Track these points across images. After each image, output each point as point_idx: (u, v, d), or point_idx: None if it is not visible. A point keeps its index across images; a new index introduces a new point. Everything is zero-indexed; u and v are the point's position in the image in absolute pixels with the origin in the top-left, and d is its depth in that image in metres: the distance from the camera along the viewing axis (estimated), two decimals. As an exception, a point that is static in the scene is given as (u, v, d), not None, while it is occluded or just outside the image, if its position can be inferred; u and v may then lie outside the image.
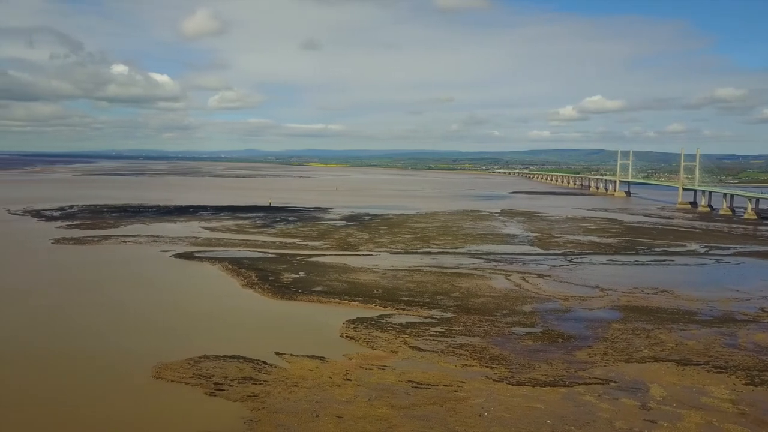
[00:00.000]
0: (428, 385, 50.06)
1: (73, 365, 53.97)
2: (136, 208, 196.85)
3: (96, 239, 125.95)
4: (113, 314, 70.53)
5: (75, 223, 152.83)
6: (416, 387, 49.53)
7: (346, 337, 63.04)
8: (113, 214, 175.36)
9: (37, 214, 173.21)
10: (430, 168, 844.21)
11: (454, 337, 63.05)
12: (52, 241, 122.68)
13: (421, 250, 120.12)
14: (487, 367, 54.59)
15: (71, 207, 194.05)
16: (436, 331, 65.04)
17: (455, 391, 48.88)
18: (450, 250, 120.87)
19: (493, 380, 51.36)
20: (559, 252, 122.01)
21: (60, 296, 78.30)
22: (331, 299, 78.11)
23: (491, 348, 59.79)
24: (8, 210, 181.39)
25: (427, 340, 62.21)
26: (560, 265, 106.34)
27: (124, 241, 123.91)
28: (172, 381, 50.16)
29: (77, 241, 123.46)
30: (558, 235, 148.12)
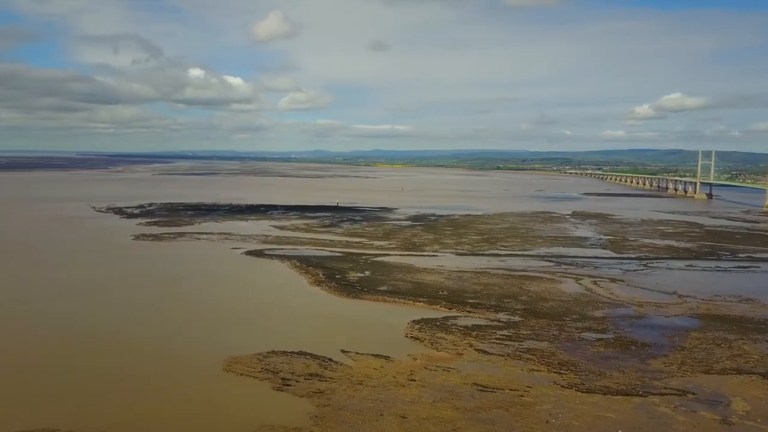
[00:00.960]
0: (494, 388, 49.20)
1: (150, 355, 56.51)
2: (209, 206, 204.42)
3: (172, 236, 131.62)
4: (187, 308, 73.46)
5: (153, 220, 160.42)
6: (481, 390, 48.78)
7: (411, 337, 62.92)
8: (188, 212, 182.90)
9: (119, 211, 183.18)
10: (498, 168, 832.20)
11: (521, 341, 61.71)
12: (133, 237, 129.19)
13: (488, 252, 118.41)
14: (556, 372, 53.08)
15: (150, 205, 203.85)
16: (502, 335, 63.88)
17: (522, 396, 47.81)
18: (518, 253, 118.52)
19: (562, 386, 49.86)
20: (633, 256, 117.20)
21: (139, 290, 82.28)
22: (396, 299, 78.23)
23: (560, 353, 58.10)
24: (93, 207, 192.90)
25: (493, 343, 61.19)
26: (634, 270, 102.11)
27: (198, 238, 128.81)
28: (241, 374, 51.64)
29: (155, 237, 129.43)
30: (632, 239, 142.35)
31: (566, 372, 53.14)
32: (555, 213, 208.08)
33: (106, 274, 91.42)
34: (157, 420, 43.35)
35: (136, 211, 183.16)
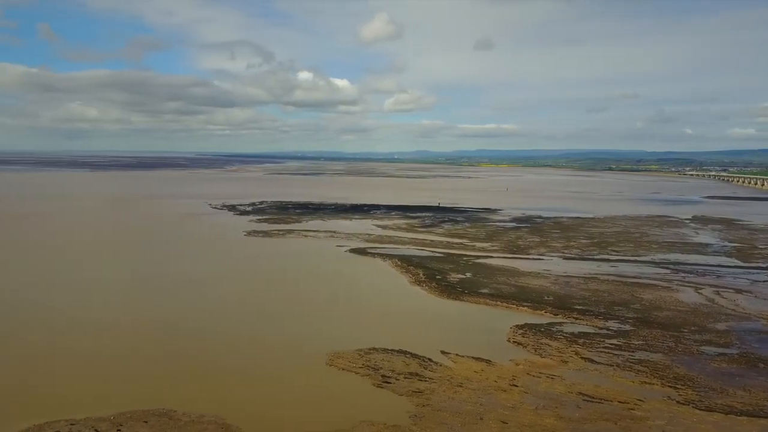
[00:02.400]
0: (601, 399, 46.78)
1: (258, 346, 59.18)
2: (316, 205, 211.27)
3: (281, 233, 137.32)
4: (294, 302, 76.26)
5: (264, 217, 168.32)
6: (587, 400, 46.56)
7: (514, 342, 61.35)
8: (296, 211, 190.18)
9: (232, 208, 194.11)
10: (610, 169, 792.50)
11: (632, 352, 58.26)
12: (245, 233, 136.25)
13: (597, 257, 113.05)
14: (671, 387, 49.57)
15: (261, 203, 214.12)
16: (611, 344, 60.64)
17: (631, 409, 45.08)
18: (631, 258, 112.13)
19: (677, 402, 46.47)
20: (763, 266, 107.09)
21: (250, 284, 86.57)
22: (498, 302, 76.60)
23: (676, 367, 54.21)
24: (209, 204, 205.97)
25: (601, 352, 58.25)
26: (764, 281, 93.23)
27: (305, 236, 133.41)
28: (343, 369, 52.76)
29: (265, 234, 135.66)
30: (763, 247, 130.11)
31: (683, 387, 49.47)
32: (673, 217, 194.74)
33: (220, 268, 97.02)
34: (261, 408, 45.26)
35: (248, 209, 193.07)
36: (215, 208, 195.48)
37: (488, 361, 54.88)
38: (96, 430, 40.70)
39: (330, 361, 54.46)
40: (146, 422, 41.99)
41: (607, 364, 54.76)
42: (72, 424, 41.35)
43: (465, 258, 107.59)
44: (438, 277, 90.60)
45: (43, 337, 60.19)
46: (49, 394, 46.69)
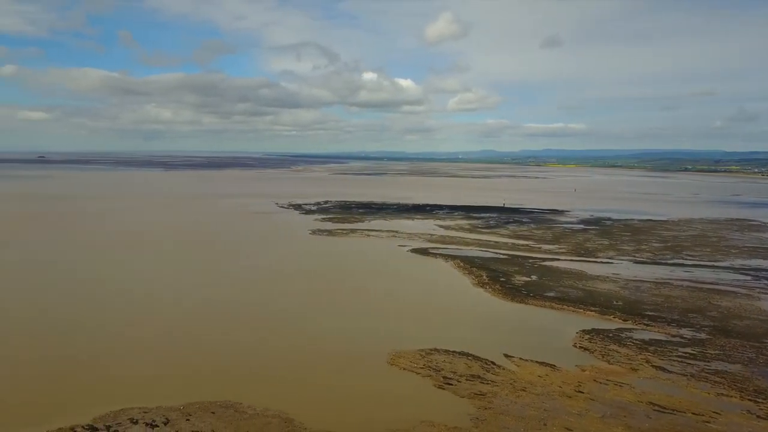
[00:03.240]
0: (673, 410, 44.67)
1: (321, 343, 60.00)
2: (379, 205, 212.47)
3: (344, 232, 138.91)
4: (356, 300, 76.92)
5: (328, 216, 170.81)
6: (658, 410, 44.56)
7: (580, 347, 59.55)
8: (360, 210, 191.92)
9: (298, 207, 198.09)
10: (686, 170, 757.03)
11: (707, 362, 55.36)
12: (310, 231, 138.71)
13: (671, 261, 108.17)
14: (750, 400, 46.75)
15: (325, 202, 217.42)
16: (685, 353, 57.84)
17: (707, 422, 42.81)
18: (707, 263, 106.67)
19: (758, 417, 43.78)
20: None
21: (314, 281, 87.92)
22: (565, 306, 74.57)
23: (757, 379, 51.09)
24: (276, 203, 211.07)
25: (674, 360, 55.66)
26: None
27: (368, 235, 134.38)
28: (404, 369, 52.74)
29: (329, 233, 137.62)
30: None
31: (764, 401, 46.56)
32: (756, 221, 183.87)
33: (286, 265, 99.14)
34: (323, 404, 45.82)
35: (313, 208, 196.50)
36: (282, 207, 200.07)
37: (553, 366, 53.51)
38: (167, 418, 42.41)
39: (391, 361, 54.57)
40: (213, 413, 43.40)
41: (681, 374, 52.27)
42: (145, 412, 43.25)
43: (530, 260, 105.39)
44: (502, 279, 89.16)
45: (120, 327, 63.25)
46: (125, 382, 48.99)
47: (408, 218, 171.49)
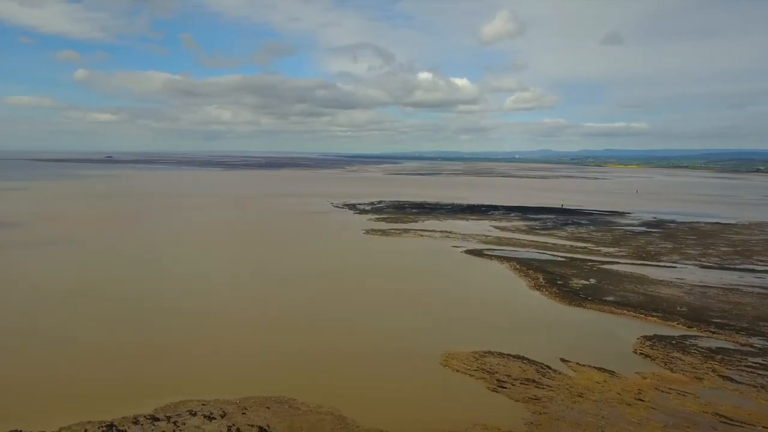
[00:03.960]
0: (742, 423, 42.49)
1: (374, 342, 60.26)
2: (433, 205, 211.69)
3: (398, 232, 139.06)
4: (410, 300, 76.80)
5: (382, 216, 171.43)
6: (725, 422, 42.49)
7: (640, 353, 57.48)
8: (413, 210, 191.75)
9: (352, 207, 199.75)
10: (757, 170, 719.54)
11: (780, 373, 52.35)
12: (363, 231, 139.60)
13: (740, 266, 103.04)
14: (829, 416, 43.89)
15: (379, 202, 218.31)
16: (756, 363, 54.93)
17: (780, 437, 40.48)
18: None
19: (837, 434, 41.04)
20: None
21: (368, 281, 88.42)
22: (625, 311, 72.15)
23: (835, 394, 47.92)
24: (331, 203, 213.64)
25: (742, 370, 52.94)
26: None
27: (422, 235, 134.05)
28: (457, 371, 52.29)
29: (383, 232, 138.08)
30: None
31: (844, 417, 43.62)
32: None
33: (341, 264, 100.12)
34: (376, 403, 45.94)
35: (367, 208, 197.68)
36: (336, 206, 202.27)
37: (612, 372, 51.88)
38: (224, 411, 43.53)
39: (444, 362, 54.22)
40: (268, 408, 44.24)
41: (750, 385, 49.67)
42: (203, 404, 44.54)
43: (589, 263, 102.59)
44: (559, 281, 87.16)
45: (184, 321, 65.40)
46: (186, 375, 50.60)
47: (462, 219, 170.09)
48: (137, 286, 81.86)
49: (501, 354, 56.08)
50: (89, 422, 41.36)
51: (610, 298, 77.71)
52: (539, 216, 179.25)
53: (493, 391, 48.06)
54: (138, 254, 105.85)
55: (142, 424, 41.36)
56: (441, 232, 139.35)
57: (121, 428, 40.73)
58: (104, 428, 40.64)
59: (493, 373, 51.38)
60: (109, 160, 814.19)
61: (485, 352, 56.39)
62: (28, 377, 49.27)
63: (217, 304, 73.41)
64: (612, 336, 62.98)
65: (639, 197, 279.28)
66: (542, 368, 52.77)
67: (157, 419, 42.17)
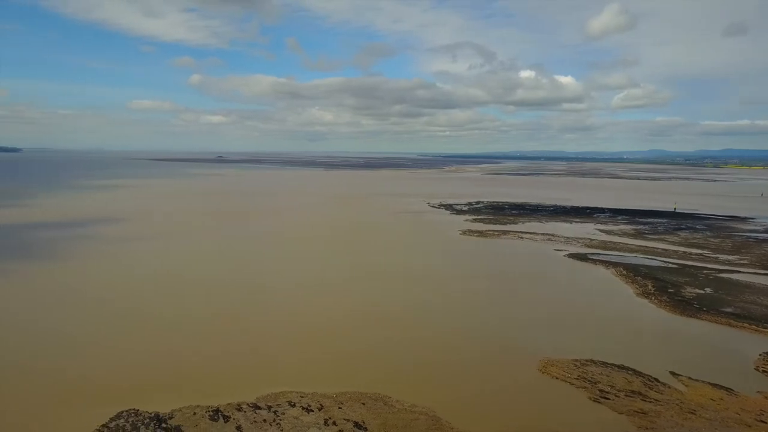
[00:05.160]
0: None
1: (470, 344, 59.41)
2: (534, 206, 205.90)
3: (496, 233, 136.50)
4: (508, 303, 75.14)
5: (479, 217, 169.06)
6: None
7: (763, 371, 52.66)
8: (513, 211, 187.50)
9: (449, 207, 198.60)
10: None
11: None
12: (460, 232, 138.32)
13: None
14: None
15: (477, 203, 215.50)
16: None
17: None
18: None
19: None
20: None
21: (463, 281, 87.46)
22: (745, 324, 66.40)
23: None
24: (428, 203, 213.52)
25: None
26: None
27: (521, 237, 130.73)
28: (556, 378, 50.45)
29: (480, 234, 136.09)
30: None
31: None
32: None
33: (434, 266, 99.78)
34: (471, 407, 45.27)
35: (465, 208, 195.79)
36: (433, 206, 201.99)
37: (729, 390, 47.89)
38: (321, 404, 44.69)
39: (543, 368, 52.50)
40: (363, 404, 44.90)
41: None
42: (302, 396, 45.99)
43: (705, 271, 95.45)
44: (670, 290, 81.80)
45: (280, 314, 67.96)
46: (286, 366, 52.49)
47: (565, 221, 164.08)
48: (238, 278, 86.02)
49: (604, 363, 53.46)
50: (198, 406, 43.97)
51: (729, 310, 71.84)
52: (649, 219, 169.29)
53: (594, 401, 45.91)
54: (241, 249, 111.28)
55: (245, 411, 43.38)
56: (542, 234, 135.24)
57: (226, 414, 42.94)
58: (211, 413, 43.03)
59: (595, 383, 49.07)
60: (220, 160, 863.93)
61: (587, 361, 53.99)
62: (141, 361, 53.18)
63: (314, 299, 75.55)
64: (730, 351, 58.19)
65: (764, 201, 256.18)
66: (649, 381, 49.72)
67: (259, 407, 44.04)
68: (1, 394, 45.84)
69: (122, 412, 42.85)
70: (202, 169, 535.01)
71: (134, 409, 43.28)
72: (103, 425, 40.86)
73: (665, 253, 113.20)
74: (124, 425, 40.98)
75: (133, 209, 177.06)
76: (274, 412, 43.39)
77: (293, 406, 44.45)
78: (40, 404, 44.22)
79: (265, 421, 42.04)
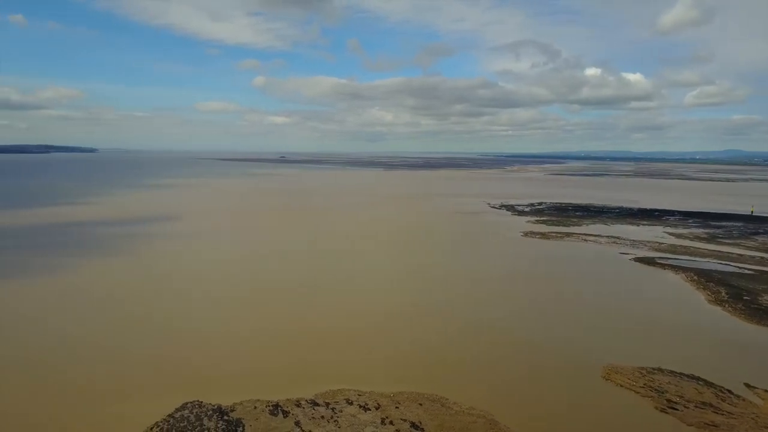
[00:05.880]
0: None
1: (530, 348, 58.21)
2: (599, 208, 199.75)
3: (559, 235, 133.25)
4: (571, 308, 73.10)
5: (542, 218, 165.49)
6: None
7: None
8: (577, 213, 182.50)
9: (510, 208, 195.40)
10: None
11: None
12: (522, 233, 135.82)
13: None
14: None
15: (540, 204, 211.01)
16: None
17: None
18: None
19: None
20: None
21: (524, 284, 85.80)
22: (830, 335, 62.08)
23: None
24: (488, 203, 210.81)
25: None
26: None
27: (585, 240, 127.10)
28: (620, 386, 48.72)
29: (542, 235, 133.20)
30: None
31: None
32: None
33: (495, 268, 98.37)
34: (531, 412, 44.29)
35: (526, 209, 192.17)
36: (493, 207, 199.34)
37: (811, 406, 44.89)
38: (378, 403, 44.86)
39: (606, 375, 50.82)
40: (421, 405, 44.76)
41: None
42: (359, 395, 46.32)
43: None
44: (746, 297, 77.53)
45: (338, 313, 68.69)
46: (344, 364, 53.02)
47: (632, 224, 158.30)
48: (298, 278, 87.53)
49: (672, 372, 51.22)
50: (258, 400, 45.04)
51: (812, 320, 67.38)
52: (723, 223, 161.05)
53: (661, 411, 44.05)
54: (300, 248, 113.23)
55: (303, 408, 44.09)
56: (607, 237, 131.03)
57: (285, 409, 43.78)
58: (271, 407, 43.98)
59: (663, 393, 47.07)
60: (282, 160, 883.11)
61: (654, 369, 51.88)
62: (205, 354, 54.96)
63: (372, 298, 75.95)
64: (812, 363, 54.54)
65: None
66: (722, 392, 47.26)
67: (317, 404, 44.67)
68: (75, 378, 48.43)
69: (187, 403, 44.42)
70: (266, 168, 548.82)
71: (198, 401, 44.78)
72: (169, 415, 42.46)
73: (740, 258, 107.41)
74: (188, 416, 42.45)
75: (200, 207, 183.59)
76: (332, 409, 43.91)
77: (351, 404, 44.83)
78: (110, 390, 46.41)
79: (323, 417, 42.59)
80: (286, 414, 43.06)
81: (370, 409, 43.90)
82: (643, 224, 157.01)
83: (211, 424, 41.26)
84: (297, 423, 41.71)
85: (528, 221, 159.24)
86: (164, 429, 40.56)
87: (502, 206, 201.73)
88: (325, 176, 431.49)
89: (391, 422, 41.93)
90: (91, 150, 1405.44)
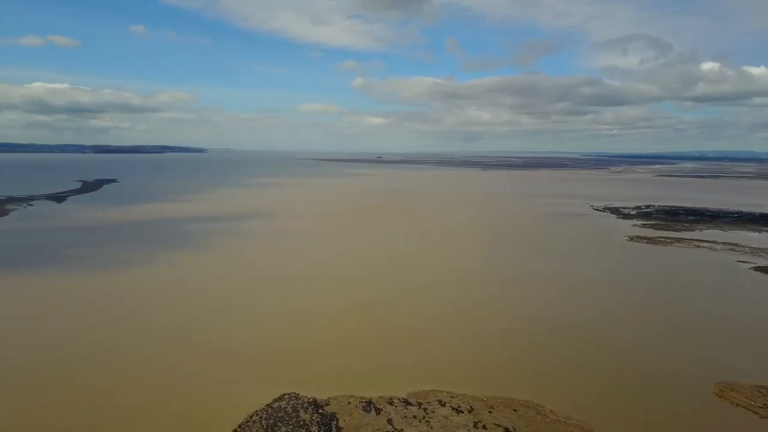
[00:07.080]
0: None
1: (635, 360, 55.15)
2: (714, 212, 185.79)
3: (668, 240, 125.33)
4: (682, 319, 68.48)
5: (649, 222, 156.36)
6: None
7: None
8: (689, 217, 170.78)
9: (615, 211, 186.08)
10: None
11: None
12: (627, 237, 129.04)
13: None
14: None
15: (647, 207, 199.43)
16: None
17: None
18: None
19: None
20: None
21: (629, 293, 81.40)
22: None
23: None
24: (591, 206, 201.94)
25: None
26: None
27: (698, 246, 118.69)
28: (736, 404, 45.01)
29: (650, 240, 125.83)
30: None
31: None
32: None
33: (600, 272, 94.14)
34: (632, 423, 41.92)
35: (633, 212, 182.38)
36: (597, 210, 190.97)
37: None
38: (471, 406, 44.27)
39: (720, 392, 47.11)
40: (515, 410, 43.67)
41: None
42: (452, 397, 45.94)
43: None
44: None
45: (433, 314, 68.51)
46: (437, 366, 52.86)
47: (753, 230, 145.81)
48: (394, 277, 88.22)
49: (798, 394, 46.58)
50: (352, 396, 45.88)
51: None
52: None
53: (784, 436, 40.19)
54: (395, 247, 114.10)
55: (395, 406, 44.38)
56: (724, 243, 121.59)
57: (378, 406, 44.28)
58: (364, 404, 44.66)
59: (786, 416, 42.91)
60: (380, 161, 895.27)
61: (776, 389, 47.43)
62: (303, 348, 56.78)
63: (467, 303, 75.09)
64: None
65: None
66: None
67: (409, 404, 44.80)
68: (179, 364, 51.66)
69: (285, 394, 46.09)
70: (367, 169, 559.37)
71: (295, 393, 46.32)
72: (268, 405, 44.25)
73: None
74: (286, 407, 44.02)
75: (298, 205, 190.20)
76: (424, 409, 43.85)
77: (443, 405, 44.57)
78: (213, 379, 49.07)
79: (414, 417, 42.65)
80: (378, 411, 43.54)
81: (462, 412, 43.42)
82: (766, 231, 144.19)
83: (307, 416, 42.53)
84: (389, 421, 42.05)
85: (634, 225, 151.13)
86: (263, 417, 42.32)
87: (605, 209, 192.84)
88: (422, 176, 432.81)
89: (483, 426, 41.24)
90: (201, 150, 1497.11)
